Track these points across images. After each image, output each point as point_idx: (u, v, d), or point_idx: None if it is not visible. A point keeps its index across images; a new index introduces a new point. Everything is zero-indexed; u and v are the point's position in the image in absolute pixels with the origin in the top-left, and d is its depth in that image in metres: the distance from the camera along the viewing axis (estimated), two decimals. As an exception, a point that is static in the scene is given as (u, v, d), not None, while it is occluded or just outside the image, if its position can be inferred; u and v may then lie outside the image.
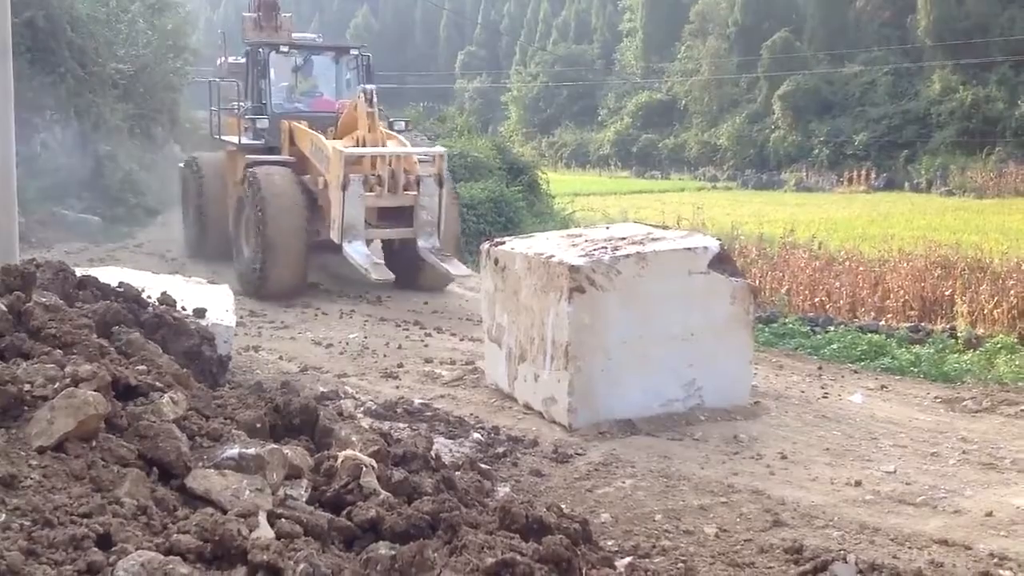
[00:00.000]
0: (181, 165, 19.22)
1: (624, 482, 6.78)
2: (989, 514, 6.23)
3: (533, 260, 8.48)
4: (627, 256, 8.11)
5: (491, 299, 9.23)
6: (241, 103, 16.14)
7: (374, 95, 13.30)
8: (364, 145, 13.33)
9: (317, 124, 14.69)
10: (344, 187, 12.69)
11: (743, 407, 8.45)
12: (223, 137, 16.50)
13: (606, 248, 8.31)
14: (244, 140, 15.31)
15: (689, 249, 8.39)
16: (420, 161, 13.66)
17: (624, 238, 8.70)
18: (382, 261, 13.60)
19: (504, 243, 9.36)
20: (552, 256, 8.29)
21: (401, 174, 13.32)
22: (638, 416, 7.99)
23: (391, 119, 15.59)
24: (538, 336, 8.32)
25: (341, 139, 14.00)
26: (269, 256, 13.28)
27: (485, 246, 9.52)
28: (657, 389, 8.14)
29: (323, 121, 14.89)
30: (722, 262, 8.53)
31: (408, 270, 14.05)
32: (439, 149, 14.12)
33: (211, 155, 17.23)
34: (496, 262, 9.13)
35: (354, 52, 16.22)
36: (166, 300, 7.57)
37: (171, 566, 3.20)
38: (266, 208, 13.34)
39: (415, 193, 13.47)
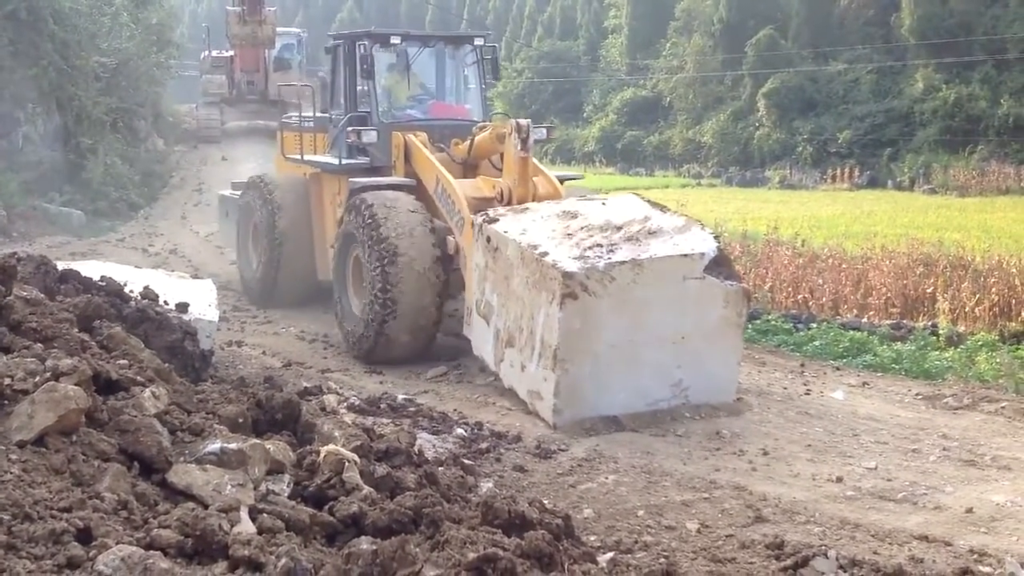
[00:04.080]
0: (225, 193, 15.77)
1: (607, 478, 6.80)
2: (969, 510, 6.29)
3: (526, 253, 8.35)
4: (622, 263, 7.98)
5: (481, 274, 9.08)
6: (325, 110, 13.17)
7: (530, 132, 9.88)
8: (511, 203, 9.94)
9: (435, 136, 11.55)
10: None
11: (726, 404, 8.46)
12: (308, 157, 12.78)
13: (602, 245, 8.20)
14: (345, 159, 11.87)
15: (685, 255, 8.23)
16: None
17: (620, 227, 8.56)
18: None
19: (498, 220, 9.09)
20: (546, 253, 8.18)
21: None
22: (623, 414, 7.98)
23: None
24: (527, 329, 8.27)
25: (474, 170, 11.18)
26: (394, 316, 9.98)
27: (478, 220, 9.23)
28: (644, 390, 8.11)
29: (442, 132, 11.71)
30: (719, 265, 8.40)
31: None
32: None
33: (285, 176, 13.59)
34: (488, 240, 8.97)
35: (478, 42, 12.48)
36: (148, 294, 7.55)
37: (152, 561, 3.18)
38: (395, 254, 9.94)
39: None
